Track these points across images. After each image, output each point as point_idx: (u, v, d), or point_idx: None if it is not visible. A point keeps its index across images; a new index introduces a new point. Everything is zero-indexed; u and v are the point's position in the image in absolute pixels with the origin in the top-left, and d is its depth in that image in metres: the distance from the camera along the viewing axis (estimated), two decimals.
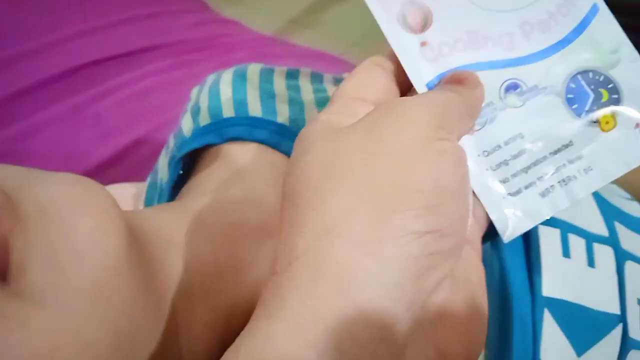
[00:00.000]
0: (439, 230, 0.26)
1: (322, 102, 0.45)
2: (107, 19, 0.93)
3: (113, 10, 0.95)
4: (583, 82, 0.33)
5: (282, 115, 0.44)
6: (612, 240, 0.38)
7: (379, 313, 0.24)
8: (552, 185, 0.32)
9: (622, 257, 0.37)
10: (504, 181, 0.32)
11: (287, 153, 0.42)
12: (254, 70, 0.48)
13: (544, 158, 0.32)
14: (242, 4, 1.57)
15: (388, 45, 0.32)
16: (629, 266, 0.37)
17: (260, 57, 0.91)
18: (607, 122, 0.33)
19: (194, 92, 0.49)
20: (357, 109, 0.30)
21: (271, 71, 0.48)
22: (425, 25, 0.33)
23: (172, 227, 0.34)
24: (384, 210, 0.25)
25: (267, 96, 0.45)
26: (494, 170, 0.32)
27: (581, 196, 0.32)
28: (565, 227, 0.37)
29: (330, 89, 0.47)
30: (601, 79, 0.33)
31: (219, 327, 0.34)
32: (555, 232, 0.36)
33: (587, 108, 0.33)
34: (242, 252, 0.36)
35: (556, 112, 0.33)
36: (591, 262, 0.36)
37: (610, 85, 0.33)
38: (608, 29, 0.34)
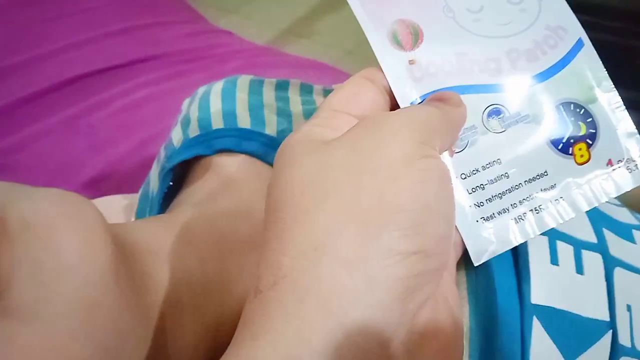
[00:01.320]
0: (424, 251, 0.26)
1: (310, 114, 0.45)
2: (99, 30, 0.93)
3: (105, 22, 0.95)
4: (564, 114, 0.33)
5: (271, 126, 0.44)
6: (600, 247, 0.38)
7: (366, 335, 0.24)
8: (524, 213, 0.32)
9: (610, 263, 0.37)
10: (478, 205, 0.32)
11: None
12: (243, 81, 0.48)
13: (519, 185, 0.32)
14: (236, 13, 1.58)
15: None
16: (618, 273, 0.37)
17: (253, 67, 0.92)
18: (581, 156, 0.33)
19: (185, 104, 0.49)
20: (340, 122, 0.30)
21: (261, 82, 0.48)
22: (415, 43, 0.33)
23: (161, 239, 0.34)
24: (370, 230, 0.25)
25: (256, 107, 0.46)
26: (470, 193, 0.32)
27: (551, 225, 0.32)
28: (553, 234, 0.37)
29: (319, 100, 0.47)
30: (581, 112, 0.34)
31: (207, 340, 0.33)
32: (544, 240, 0.36)
33: (564, 140, 0.33)
34: (230, 264, 0.36)
35: (535, 141, 0.33)
36: (580, 269, 0.36)
37: (589, 120, 0.34)
38: (591, 64, 0.34)
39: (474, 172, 0.32)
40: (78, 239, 0.27)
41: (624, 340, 0.35)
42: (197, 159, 0.44)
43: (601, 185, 0.33)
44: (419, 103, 0.32)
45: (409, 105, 0.32)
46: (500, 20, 0.34)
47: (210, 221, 0.37)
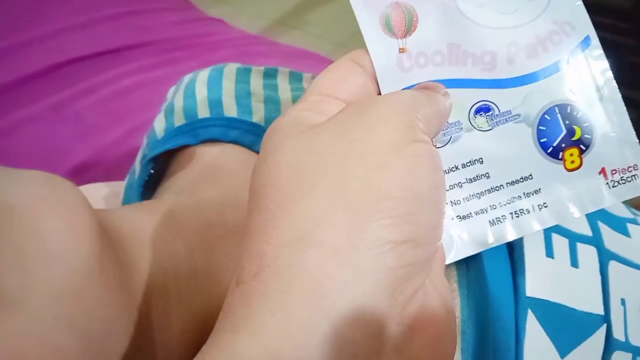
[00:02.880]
0: (415, 240, 0.25)
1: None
2: (88, 15, 0.92)
3: (95, 8, 0.94)
4: (559, 116, 0.32)
5: (258, 114, 0.44)
6: (595, 240, 0.38)
7: (353, 328, 0.23)
8: (503, 216, 0.31)
9: (605, 257, 0.37)
10: (454, 203, 0.31)
11: None
12: (230, 69, 0.47)
13: (500, 187, 0.31)
14: (227, 4, 1.56)
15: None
16: (613, 266, 0.37)
17: (244, 55, 0.91)
18: (572, 162, 0.32)
19: (170, 92, 0.49)
20: (328, 106, 0.29)
21: (248, 71, 0.47)
22: (408, 30, 0.31)
23: (147, 226, 0.33)
24: (359, 218, 0.24)
25: (243, 95, 0.45)
26: (447, 190, 0.31)
27: (530, 232, 0.31)
28: (548, 227, 0.37)
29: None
30: (579, 115, 0.32)
31: (194, 329, 0.33)
32: (539, 232, 0.36)
33: (555, 143, 0.32)
34: (217, 254, 0.35)
35: (523, 142, 0.31)
36: (574, 262, 0.36)
37: (586, 124, 0.32)
38: (597, 64, 0.32)
39: (453, 169, 0.31)
40: (62, 224, 0.26)
41: (618, 334, 0.35)
42: (182, 147, 0.43)
43: (590, 194, 0.31)
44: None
45: None
46: (505, 7, 0.32)
47: (196, 209, 0.36)
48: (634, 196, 0.32)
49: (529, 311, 0.33)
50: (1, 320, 0.24)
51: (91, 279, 0.26)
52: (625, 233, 0.40)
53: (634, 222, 0.42)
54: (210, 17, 1.03)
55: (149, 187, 0.44)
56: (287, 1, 1.57)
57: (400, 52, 0.31)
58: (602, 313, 0.35)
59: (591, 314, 0.35)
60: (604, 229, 0.39)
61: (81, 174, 0.75)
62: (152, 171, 0.43)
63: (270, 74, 0.47)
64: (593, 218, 0.40)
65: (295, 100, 0.45)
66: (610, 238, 0.39)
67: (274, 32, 1.46)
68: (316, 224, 0.24)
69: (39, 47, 0.86)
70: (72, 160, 0.76)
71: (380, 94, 0.32)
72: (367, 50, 0.31)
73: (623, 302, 0.36)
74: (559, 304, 0.34)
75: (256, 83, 0.46)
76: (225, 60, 0.90)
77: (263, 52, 0.93)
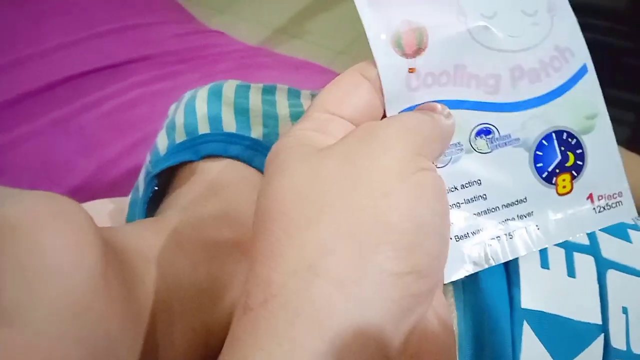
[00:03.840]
0: (419, 272, 0.25)
1: (297, 116, 0.45)
2: (90, 30, 0.93)
3: (97, 22, 0.94)
4: (555, 142, 0.33)
5: (256, 130, 0.44)
6: (592, 249, 0.38)
7: (358, 358, 0.24)
8: (498, 236, 0.32)
9: (603, 266, 0.37)
10: (452, 223, 0.31)
11: (260, 168, 0.42)
12: (229, 86, 0.48)
13: (496, 209, 0.32)
14: (228, 13, 1.57)
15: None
16: (611, 274, 0.37)
17: (244, 67, 0.91)
18: (564, 187, 0.33)
19: (172, 109, 0.49)
20: (333, 126, 0.29)
21: (247, 87, 0.48)
22: (418, 50, 0.31)
23: (151, 244, 0.34)
24: (364, 249, 0.24)
25: (242, 112, 0.45)
26: None
27: (523, 252, 0.32)
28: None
29: (306, 104, 0.47)
30: (573, 142, 0.33)
31: (198, 346, 0.33)
32: None
33: (550, 169, 0.33)
34: (220, 270, 0.35)
35: (520, 166, 0.32)
36: (571, 272, 0.36)
37: (579, 151, 0.33)
38: (591, 93, 0.33)
39: (452, 189, 0.31)
40: (66, 241, 0.27)
41: (617, 343, 0.35)
42: (183, 163, 0.44)
43: (578, 219, 0.33)
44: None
45: (397, 113, 0.31)
46: (511, 31, 0.32)
47: (198, 226, 0.37)
48: (618, 222, 0.33)
49: (525, 323, 0.34)
50: (5, 334, 0.24)
51: (95, 295, 0.27)
52: (627, 239, 0.41)
53: (635, 227, 0.42)
54: (210, 30, 1.04)
55: (153, 202, 0.45)
56: (288, 10, 1.57)
57: (409, 72, 0.31)
58: (600, 322, 0.35)
59: (588, 323, 0.35)
60: (602, 237, 0.39)
61: (85, 188, 0.76)
62: (156, 187, 0.44)
63: (268, 91, 0.48)
64: None
65: (293, 116, 0.45)
66: (609, 246, 0.39)
67: (274, 40, 1.47)
68: (322, 255, 0.24)
69: (41, 63, 0.87)
70: (76, 175, 0.77)
71: (384, 109, 0.31)
72: (375, 63, 0.31)
73: (625, 310, 0.36)
74: (555, 315, 0.34)
75: (255, 99, 0.47)
76: (227, 72, 0.91)
77: (264, 63, 0.94)
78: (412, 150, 0.27)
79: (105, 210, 0.51)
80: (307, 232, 0.25)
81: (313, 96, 0.48)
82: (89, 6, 0.96)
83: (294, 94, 0.48)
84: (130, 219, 0.47)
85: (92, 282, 0.27)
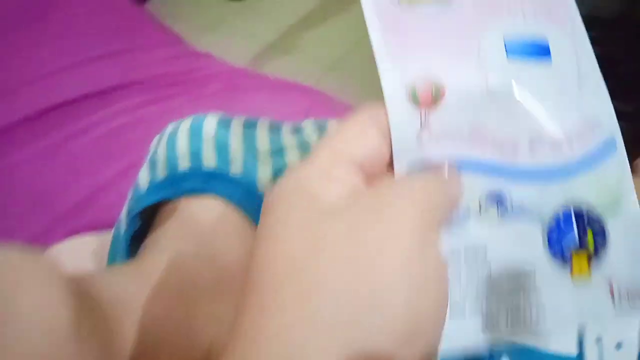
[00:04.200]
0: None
1: (277, 151, 0.46)
2: (80, 56, 0.93)
3: (86, 47, 0.95)
4: (573, 220, 0.29)
5: (236, 165, 0.45)
6: None
7: None
8: (498, 310, 0.29)
9: None
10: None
11: (240, 205, 0.42)
12: (210, 120, 0.48)
13: (500, 278, 0.29)
14: (218, 32, 1.58)
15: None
16: None
17: (232, 89, 0.92)
18: (580, 269, 0.29)
19: (154, 142, 0.50)
20: (338, 171, 0.28)
21: (228, 121, 0.49)
22: (433, 104, 0.29)
23: (128, 290, 0.34)
24: (356, 342, 0.24)
25: (222, 146, 0.46)
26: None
27: (523, 335, 0.30)
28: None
29: (287, 138, 0.47)
30: (594, 221, 0.30)
31: None
32: None
33: (564, 245, 0.29)
34: (197, 312, 0.36)
35: (532, 238, 0.29)
36: None
37: (599, 232, 0.29)
38: (620, 171, 0.30)
39: (456, 253, 0.29)
40: (35, 298, 0.27)
41: None
42: (164, 201, 0.44)
43: (594, 308, 0.29)
44: (418, 172, 0.29)
45: (404, 167, 0.29)
46: (534, 89, 0.30)
47: (175, 268, 0.37)
48: None
49: (505, 356, 0.34)
50: None
51: (68, 349, 0.27)
52: None
53: None
54: (198, 52, 1.05)
55: (138, 237, 0.45)
56: (277, 27, 1.58)
57: (421, 126, 0.29)
58: (575, 354, 0.35)
59: (561, 357, 0.35)
60: None
61: (77, 215, 0.76)
62: (139, 225, 0.45)
63: (250, 125, 0.49)
64: None
65: (273, 152, 0.46)
66: None
67: (264, 57, 1.47)
68: (307, 345, 0.24)
69: (30, 89, 0.87)
70: (68, 201, 0.77)
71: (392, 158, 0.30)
72: (386, 111, 0.29)
73: (597, 341, 0.36)
74: (532, 348, 0.34)
75: (236, 133, 0.47)
76: (215, 94, 0.92)
77: (252, 85, 0.95)
78: (421, 228, 0.26)
79: (89, 249, 0.52)
80: (296, 311, 0.24)
81: (295, 130, 0.49)
82: (78, 33, 0.96)
83: (275, 129, 0.49)
84: (112, 255, 0.47)
85: (63, 336, 0.27)
